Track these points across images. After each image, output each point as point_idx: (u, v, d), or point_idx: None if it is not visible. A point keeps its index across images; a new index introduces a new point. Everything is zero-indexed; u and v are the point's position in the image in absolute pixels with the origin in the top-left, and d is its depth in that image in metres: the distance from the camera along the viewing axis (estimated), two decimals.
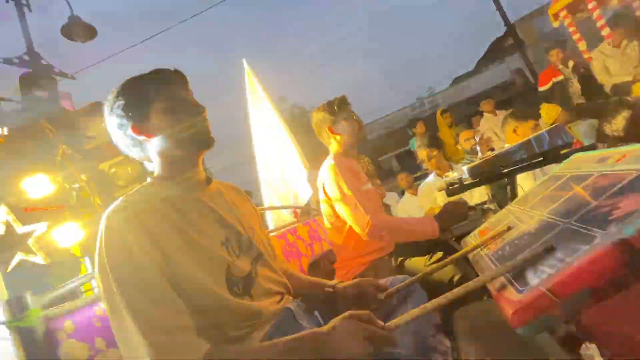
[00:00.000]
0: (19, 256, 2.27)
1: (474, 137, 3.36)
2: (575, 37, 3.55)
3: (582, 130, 3.07)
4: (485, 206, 1.57)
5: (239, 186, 0.99)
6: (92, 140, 2.77)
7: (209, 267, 0.68)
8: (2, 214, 2.13)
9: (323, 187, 1.42)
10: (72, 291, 0.80)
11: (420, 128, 4.43)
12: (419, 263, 1.34)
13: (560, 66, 3.40)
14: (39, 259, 2.45)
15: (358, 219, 1.28)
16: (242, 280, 0.73)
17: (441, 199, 2.42)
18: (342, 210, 1.34)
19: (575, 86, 3.42)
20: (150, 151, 0.78)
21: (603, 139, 1.94)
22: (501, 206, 1.35)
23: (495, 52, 13.63)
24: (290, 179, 2.52)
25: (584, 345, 0.71)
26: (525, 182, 1.72)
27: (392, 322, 0.59)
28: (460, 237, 1.27)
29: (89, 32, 4.09)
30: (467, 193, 1.95)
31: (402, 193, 3.86)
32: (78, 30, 4.02)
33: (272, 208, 2.42)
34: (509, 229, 0.75)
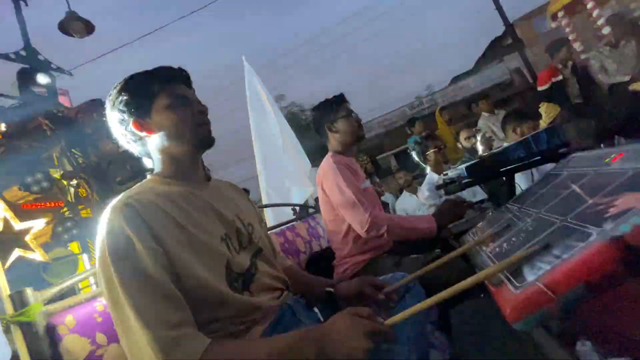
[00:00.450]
0: (16, 252, 2.27)
1: (474, 136, 3.37)
2: (573, 37, 3.57)
3: (579, 129, 3.08)
4: (483, 204, 1.58)
5: (236, 184, 1.00)
6: (90, 137, 2.76)
7: (209, 263, 0.69)
8: (0, 210, 2.12)
9: (322, 185, 1.42)
10: (71, 288, 0.80)
11: (419, 127, 4.44)
12: (417, 261, 1.35)
13: (560, 66, 3.41)
14: (36, 255, 2.45)
15: (357, 217, 1.29)
16: (242, 275, 0.74)
17: None
18: (341, 208, 1.35)
19: (574, 86, 3.43)
20: (151, 147, 0.78)
21: (600, 139, 1.95)
22: (499, 204, 1.36)
23: (494, 52, 13.65)
24: (290, 176, 2.52)
25: (579, 341, 0.72)
26: (522, 180, 1.73)
27: (391, 319, 0.60)
28: (458, 235, 1.28)
29: (87, 28, 4.06)
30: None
31: (400, 191, 3.87)
32: (75, 25, 3.99)
33: (271, 205, 2.42)
34: (508, 226, 0.76)
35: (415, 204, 3.27)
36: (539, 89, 3.54)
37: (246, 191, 1.32)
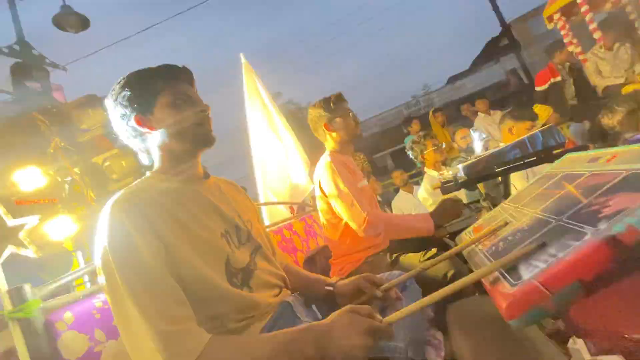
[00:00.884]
0: (9, 249, 2.24)
1: (469, 136, 3.40)
2: (568, 39, 3.60)
3: (574, 131, 3.12)
4: (479, 204, 1.59)
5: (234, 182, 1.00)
6: (85, 133, 2.74)
7: (209, 258, 0.69)
8: None
9: (319, 184, 1.43)
10: (66, 285, 0.80)
11: (415, 126, 4.46)
12: (413, 259, 1.37)
13: (560, 67, 3.45)
14: (30, 252, 2.42)
15: (354, 216, 1.30)
16: (241, 271, 0.74)
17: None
18: (339, 207, 1.35)
19: (570, 88, 3.47)
20: (151, 144, 0.78)
21: (595, 140, 1.98)
22: (494, 204, 1.38)
23: (490, 52, 13.73)
24: (288, 174, 2.52)
25: (571, 339, 0.73)
26: (517, 181, 1.76)
27: (390, 317, 0.61)
28: (454, 234, 1.30)
29: (82, 23, 4.01)
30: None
31: (396, 190, 3.89)
32: (70, 20, 3.94)
33: (268, 204, 2.42)
34: (506, 224, 0.77)
35: (412, 203, 3.29)
36: (537, 88, 3.57)
37: (243, 189, 1.32)
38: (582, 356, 0.69)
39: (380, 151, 12.90)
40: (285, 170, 2.55)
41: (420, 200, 2.91)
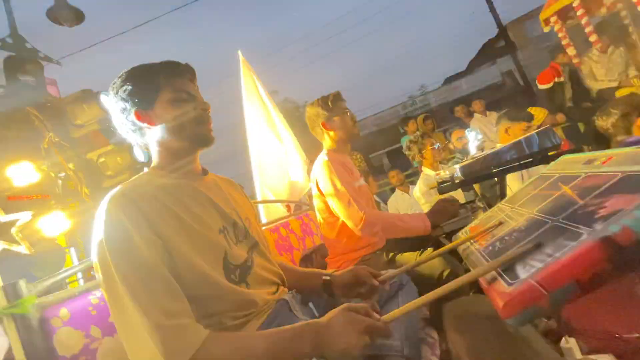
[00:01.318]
0: (1, 245, 2.21)
1: (465, 137, 3.42)
2: (564, 42, 3.63)
3: (568, 133, 3.16)
4: (475, 204, 1.61)
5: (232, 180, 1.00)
6: (80, 129, 2.70)
7: (207, 254, 0.69)
8: None
9: (316, 183, 1.43)
10: (60, 283, 0.79)
11: (412, 126, 4.48)
12: (409, 258, 1.37)
13: (562, 68, 3.50)
14: (22, 248, 2.39)
15: (352, 215, 1.30)
16: (239, 268, 0.74)
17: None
18: (336, 206, 1.35)
19: (568, 90, 3.52)
20: (150, 139, 0.78)
21: (589, 142, 2.01)
22: (490, 205, 1.39)
23: (487, 54, 13.82)
24: (286, 172, 2.52)
25: (563, 339, 0.75)
26: (513, 182, 1.77)
27: (387, 315, 0.61)
28: (450, 234, 1.31)
29: (76, 16, 3.95)
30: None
31: (392, 190, 3.91)
32: (64, 13, 3.88)
33: (265, 202, 2.41)
34: (500, 224, 0.78)
35: (408, 203, 3.31)
36: (541, 87, 3.61)
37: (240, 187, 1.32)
38: (574, 355, 0.70)
39: (377, 150, 12.93)
40: (283, 168, 2.54)
41: (416, 198, 2.93)
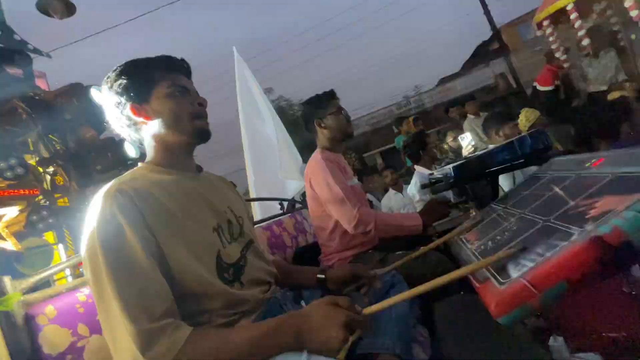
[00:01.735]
0: None
1: (459, 137, 3.45)
2: (556, 46, 3.69)
3: (560, 135, 3.20)
4: (467, 204, 1.62)
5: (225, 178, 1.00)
6: (69, 123, 2.65)
7: (201, 253, 0.68)
8: None
9: (310, 181, 1.43)
10: (47, 279, 0.78)
11: (406, 126, 4.49)
12: (402, 257, 1.38)
13: (559, 71, 3.57)
14: (8, 244, 2.34)
15: (345, 213, 1.30)
16: (232, 266, 0.74)
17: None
18: (329, 205, 1.35)
19: (562, 93, 3.59)
20: (145, 134, 0.77)
21: (580, 144, 2.04)
22: (482, 205, 1.40)
23: (481, 55, 13.94)
24: (282, 169, 2.50)
25: (551, 337, 0.76)
26: (504, 182, 1.79)
27: (369, 308, 0.61)
28: (442, 234, 1.31)
29: (67, 8, 3.86)
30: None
31: (385, 190, 3.92)
32: (55, 5, 3.79)
33: (258, 199, 2.40)
34: (492, 225, 0.78)
35: (401, 202, 3.33)
36: (542, 88, 3.66)
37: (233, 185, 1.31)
38: (562, 353, 0.71)
39: (371, 150, 12.97)
40: (277, 166, 2.53)
41: (411, 196, 2.94)
